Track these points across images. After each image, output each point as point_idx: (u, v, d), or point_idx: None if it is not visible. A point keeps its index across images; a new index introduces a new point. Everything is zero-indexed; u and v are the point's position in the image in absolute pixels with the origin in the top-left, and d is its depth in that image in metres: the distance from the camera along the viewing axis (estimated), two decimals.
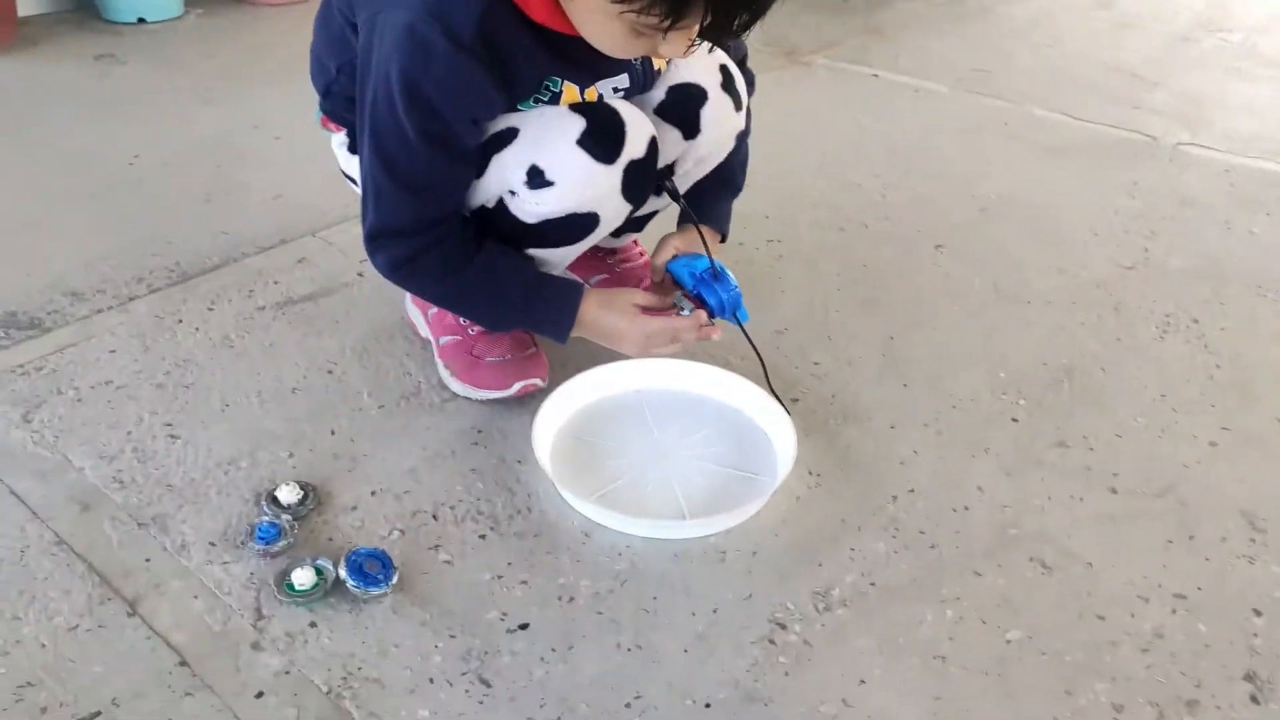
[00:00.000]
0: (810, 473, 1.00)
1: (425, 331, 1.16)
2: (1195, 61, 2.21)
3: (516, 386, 1.06)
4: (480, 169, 0.95)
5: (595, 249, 1.25)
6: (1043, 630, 0.83)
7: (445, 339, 1.11)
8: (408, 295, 1.19)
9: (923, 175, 1.64)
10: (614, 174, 0.94)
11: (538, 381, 1.07)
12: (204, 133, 1.73)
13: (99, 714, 0.75)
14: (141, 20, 2.25)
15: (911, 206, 1.53)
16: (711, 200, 1.11)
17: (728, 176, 1.12)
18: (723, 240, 1.12)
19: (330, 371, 1.13)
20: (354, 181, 1.09)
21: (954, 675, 0.79)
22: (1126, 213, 1.52)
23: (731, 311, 1.02)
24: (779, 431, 1.02)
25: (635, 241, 1.28)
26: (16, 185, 1.53)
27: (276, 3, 2.44)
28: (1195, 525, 0.94)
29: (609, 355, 1.06)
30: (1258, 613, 0.85)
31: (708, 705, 0.76)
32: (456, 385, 1.09)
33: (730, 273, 1.03)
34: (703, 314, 1.01)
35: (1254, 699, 0.77)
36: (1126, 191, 1.59)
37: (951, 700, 0.77)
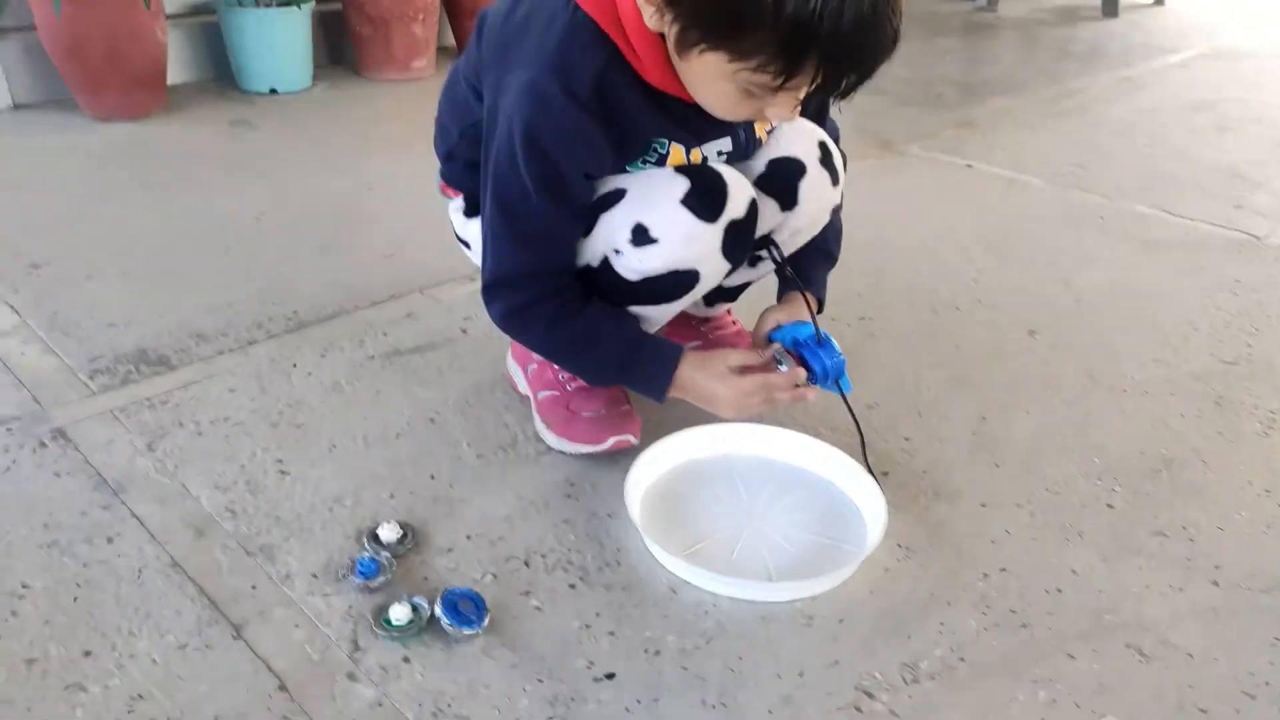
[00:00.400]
0: (899, 545, 0.99)
1: (524, 388, 1.21)
2: None
3: (610, 442, 1.09)
4: (588, 228, 1.00)
5: (689, 317, 1.28)
6: (1141, 719, 0.80)
7: (543, 394, 1.15)
8: (509, 352, 1.24)
9: (1017, 263, 1.65)
10: (716, 232, 0.98)
11: (630, 438, 1.10)
12: (325, 194, 1.84)
13: None
14: (273, 90, 2.42)
15: (1005, 293, 1.54)
16: (809, 268, 1.14)
17: (825, 247, 1.16)
18: (819, 310, 1.15)
19: (433, 420, 1.18)
20: (467, 245, 1.16)
21: None
22: (1228, 309, 1.50)
23: (835, 379, 1.03)
24: (868, 503, 1.03)
25: (729, 311, 1.31)
26: (156, 236, 1.65)
27: (395, 79, 2.60)
28: None
29: (703, 417, 1.09)
30: None
31: None
32: (552, 439, 1.13)
33: (835, 342, 1.05)
34: (801, 371, 1.03)
35: None
36: (1228, 288, 1.57)
37: None
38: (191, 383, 1.24)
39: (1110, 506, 1.06)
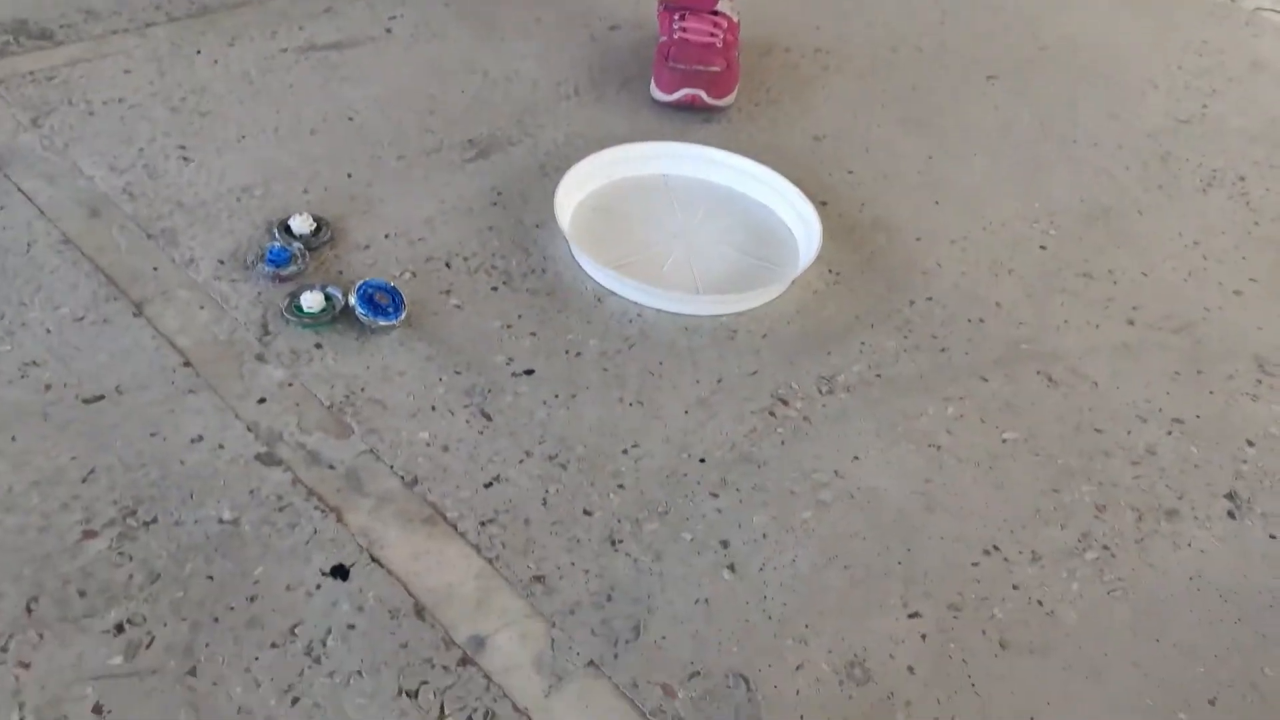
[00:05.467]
0: (830, 270, 0.98)
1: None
2: None
3: (680, 94, 1.14)
4: None
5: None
6: (1040, 435, 0.83)
7: (660, 39, 1.23)
8: None
9: (985, 8, 1.55)
10: None
11: (703, 95, 1.14)
12: None
13: (102, 397, 0.76)
14: None
15: (969, 37, 1.46)
16: None
17: None
18: None
19: (351, 119, 1.10)
20: None
21: (947, 463, 0.80)
22: (1191, 69, 1.45)
23: None
24: (804, 230, 1.00)
25: None
26: None
27: None
28: (1206, 362, 0.93)
29: (652, 130, 1.02)
30: (1250, 443, 0.85)
31: (702, 460, 0.77)
32: (651, 83, 1.19)
33: None
34: None
35: (1231, 515, 0.79)
36: (1195, 49, 1.51)
37: (941, 484, 0.78)
38: (80, 60, 1.12)
39: (1043, 248, 1.06)
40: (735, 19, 1.22)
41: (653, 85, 1.18)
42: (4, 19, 1.17)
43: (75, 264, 0.87)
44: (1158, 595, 0.72)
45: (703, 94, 1.14)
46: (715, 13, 1.20)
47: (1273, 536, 0.78)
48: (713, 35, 1.18)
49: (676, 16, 1.20)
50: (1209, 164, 1.23)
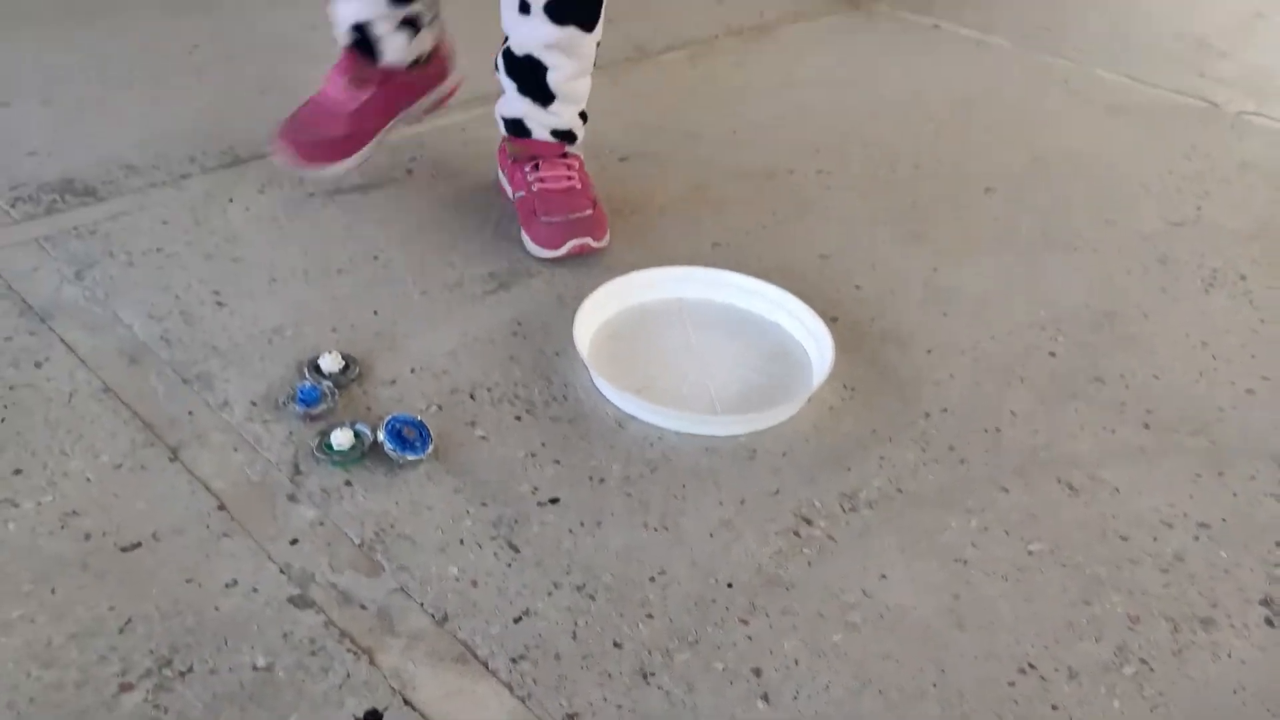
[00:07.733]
0: (845, 386, 1.00)
1: (509, 189, 1.23)
2: (1267, 37, 2.16)
3: (568, 246, 1.12)
4: None
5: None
6: (1065, 545, 0.83)
7: (517, 195, 1.20)
8: (497, 156, 1.26)
9: (979, 124, 1.62)
10: None
11: (590, 241, 1.12)
12: (264, 30, 1.74)
13: (139, 544, 0.78)
14: None
15: (965, 151, 1.52)
16: None
17: None
18: None
19: (376, 258, 1.15)
20: None
21: (974, 578, 0.80)
22: (1181, 173, 1.50)
23: None
24: (816, 346, 1.03)
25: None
26: (85, 69, 1.55)
27: None
28: (1226, 464, 0.94)
29: (654, 260, 1.06)
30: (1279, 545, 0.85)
31: (730, 585, 0.78)
32: (525, 239, 1.16)
33: None
34: None
35: (1269, 622, 0.78)
36: (1184, 153, 1.57)
37: (969, 600, 0.78)
38: (121, 214, 1.18)
39: (1052, 355, 1.08)
40: (579, 155, 1.19)
41: (529, 242, 1.15)
42: (52, 179, 1.24)
43: (115, 411, 0.90)
44: (1202, 709, 0.71)
45: (589, 240, 1.13)
46: (565, 155, 1.18)
47: None
48: (569, 178, 1.16)
49: (529, 168, 1.17)
50: (1208, 264, 1.26)
